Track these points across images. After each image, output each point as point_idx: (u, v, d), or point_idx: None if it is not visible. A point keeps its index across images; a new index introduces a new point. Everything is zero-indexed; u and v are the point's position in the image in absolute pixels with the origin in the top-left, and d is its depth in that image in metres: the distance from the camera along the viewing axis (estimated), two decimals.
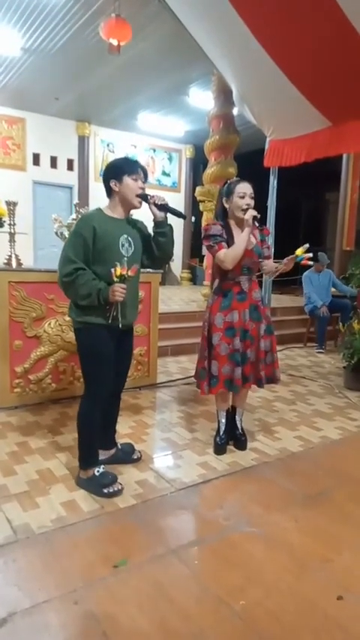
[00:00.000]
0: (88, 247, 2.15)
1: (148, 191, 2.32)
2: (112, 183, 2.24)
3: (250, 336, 2.68)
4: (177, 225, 2.74)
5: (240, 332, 2.65)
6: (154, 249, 2.40)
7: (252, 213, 2.53)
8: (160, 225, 2.37)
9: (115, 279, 2.14)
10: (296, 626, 1.53)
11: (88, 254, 2.16)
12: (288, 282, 8.75)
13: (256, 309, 2.71)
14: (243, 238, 2.53)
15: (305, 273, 6.37)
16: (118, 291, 2.14)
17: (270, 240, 2.87)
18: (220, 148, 6.46)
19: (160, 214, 2.35)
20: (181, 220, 2.69)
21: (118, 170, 2.25)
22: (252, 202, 2.58)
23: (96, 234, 2.15)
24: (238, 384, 2.65)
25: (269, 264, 2.70)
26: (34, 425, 3.14)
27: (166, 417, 3.41)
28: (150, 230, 2.42)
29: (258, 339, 2.72)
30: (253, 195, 2.59)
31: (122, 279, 2.14)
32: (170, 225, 2.41)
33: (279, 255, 2.90)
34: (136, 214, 2.43)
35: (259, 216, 2.57)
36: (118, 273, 2.13)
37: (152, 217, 2.37)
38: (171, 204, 2.38)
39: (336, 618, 1.56)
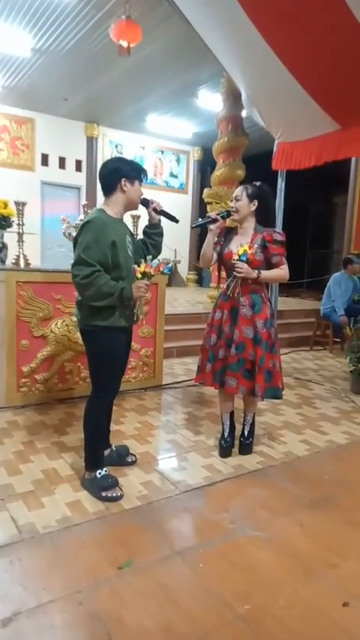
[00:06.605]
0: (106, 255, 2.12)
1: (151, 194, 2.46)
2: (123, 183, 2.23)
3: (225, 337, 2.67)
4: (184, 226, 2.75)
5: (217, 330, 2.71)
6: (148, 248, 2.49)
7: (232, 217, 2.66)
8: (156, 226, 2.53)
9: (139, 275, 2.19)
10: (301, 632, 1.52)
11: (106, 260, 2.13)
12: (295, 285, 8.72)
13: (237, 313, 2.63)
14: (207, 240, 2.69)
15: (336, 275, 6.10)
16: (143, 287, 2.19)
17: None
18: (228, 149, 6.46)
19: (156, 217, 2.50)
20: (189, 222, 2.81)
21: (132, 172, 2.25)
22: (239, 203, 2.62)
23: (115, 244, 2.15)
24: (207, 378, 2.73)
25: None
26: (40, 424, 3.14)
27: (171, 419, 3.41)
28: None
29: (235, 344, 2.59)
30: (239, 197, 2.62)
31: (146, 276, 2.20)
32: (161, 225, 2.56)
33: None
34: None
35: (200, 221, 2.68)
36: (142, 269, 2.19)
37: (148, 219, 2.52)
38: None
39: (342, 624, 1.55)
